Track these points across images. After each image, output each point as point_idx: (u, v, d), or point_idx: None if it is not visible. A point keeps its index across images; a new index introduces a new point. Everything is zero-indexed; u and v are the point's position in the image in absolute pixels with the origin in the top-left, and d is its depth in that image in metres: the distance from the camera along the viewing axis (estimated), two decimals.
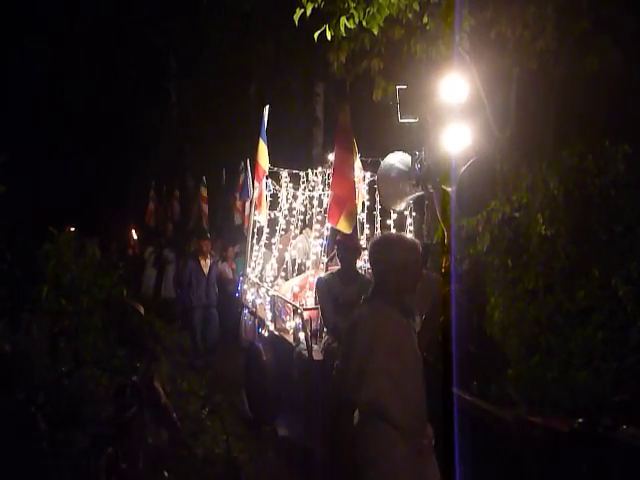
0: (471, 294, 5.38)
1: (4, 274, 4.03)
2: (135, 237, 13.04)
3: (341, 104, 5.26)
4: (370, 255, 2.79)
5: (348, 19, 4.93)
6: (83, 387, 3.64)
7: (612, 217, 4.46)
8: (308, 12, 4.87)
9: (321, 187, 5.91)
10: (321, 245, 5.50)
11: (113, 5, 15.20)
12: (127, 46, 15.97)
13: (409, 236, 2.66)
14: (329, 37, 5.04)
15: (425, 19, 5.17)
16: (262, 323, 5.60)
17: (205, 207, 12.07)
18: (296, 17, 4.87)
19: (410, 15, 5.60)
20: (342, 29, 5.02)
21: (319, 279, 4.64)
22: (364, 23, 5.05)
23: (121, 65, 16.28)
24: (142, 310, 3.55)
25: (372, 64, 7.88)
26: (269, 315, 5.46)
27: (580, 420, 2.70)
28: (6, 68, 15.08)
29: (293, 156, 9.79)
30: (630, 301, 4.38)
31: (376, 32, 5.16)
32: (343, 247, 4.61)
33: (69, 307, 5.32)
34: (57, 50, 15.83)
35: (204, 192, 12.20)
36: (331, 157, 5.26)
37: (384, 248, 2.71)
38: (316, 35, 5.04)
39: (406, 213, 5.79)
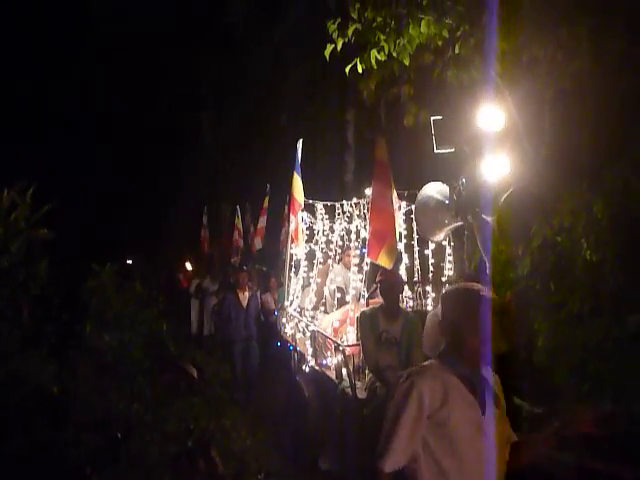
0: (515, 324, 5.22)
1: (52, 318, 4.12)
2: (190, 268, 12.43)
3: (377, 138, 5.27)
4: (442, 307, 2.34)
5: (379, 51, 4.97)
6: (130, 424, 3.66)
7: None
8: (339, 47, 4.92)
9: (357, 219, 5.90)
10: (361, 280, 5.46)
11: (146, 39, 15.62)
12: (164, 79, 16.39)
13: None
14: (360, 70, 5.08)
15: (457, 48, 5.16)
16: (302, 358, 5.54)
17: (240, 237, 12.08)
18: (327, 52, 4.93)
19: (440, 42, 5.60)
20: (373, 61, 5.06)
21: (362, 313, 4.59)
22: (394, 54, 5.07)
23: (158, 97, 16.71)
24: (195, 373, 3.51)
25: (402, 90, 7.92)
26: (310, 350, 5.42)
27: None
28: (48, 106, 15.68)
29: (325, 184, 9.84)
30: None
31: (407, 62, 5.18)
32: (386, 284, 4.56)
33: (112, 342, 5.42)
34: (95, 84, 16.37)
35: (238, 222, 12.21)
36: (368, 192, 5.25)
37: (460, 303, 2.25)
38: (347, 69, 5.09)
39: (444, 243, 5.70)
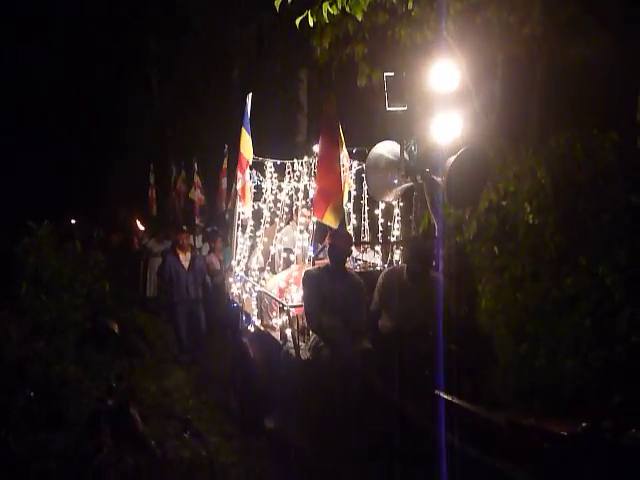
0: (458, 283, 5.31)
1: None
2: (142, 228, 11.79)
3: (326, 93, 5.11)
4: None
5: (331, 5, 4.80)
6: (63, 391, 3.54)
7: (600, 206, 4.42)
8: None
9: (307, 178, 5.74)
10: (307, 239, 5.29)
11: None
12: (107, 32, 15.59)
13: None
14: (311, 23, 4.91)
15: (410, 4, 5.05)
16: (248, 319, 5.44)
17: (201, 194, 11.59)
18: (277, 3, 4.72)
19: (394, 0, 5.48)
20: (325, 15, 4.89)
21: (307, 273, 4.47)
22: (347, 9, 4.91)
23: (102, 51, 15.90)
24: (116, 328, 3.37)
25: (356, 50, 7.75)
26: (255, 311, 5.31)
27: (584, 424, 2.52)
28: None
29: (276, 144, 9.63)
30: (617, 289, 4.36)
31: (360, 18, 5.03)
32: (335, 245, 4.43)
33: (50, 303, 5.20)
34: (35, 35, 15.44)
35: (198, 180, 11.70)
36: (316, 148, 5.07)
37: None
38: (298, 21, 4.90)
39: (394, 203, 5.56)
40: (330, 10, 4.85)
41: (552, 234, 4.92)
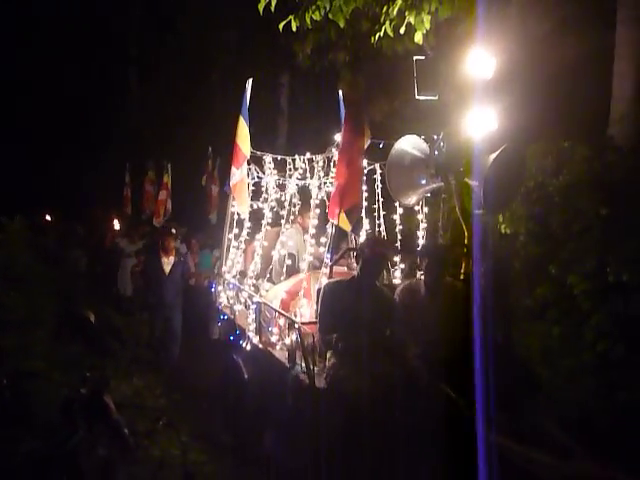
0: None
1: None
2: (118, 227, 11.30)
3: (354, 78, 4.78)
4: None
5: (314, 11, 4.85)
6: (33, 383, 3.48)
7: (571, 217, 4.52)
8: (273, 3, 4.75)
9: (319, 175, 4.82)
10: (324, 244, 4.44)
11: None
12: (86, 29, 15.40)
13: None
14: (294, 28, 4.95)
15: (392, 13, 5.12)
16: (243, 334, 4.68)
17: (167, 195, 11.47)
18: (260, 7, 4.75)
19: (377, 9, 5.56)
20: (308, 20, 4.95)
21: (326, 285, 3.81)
22: (330, 15, 4.97)
23: (80, 49, 15.69)
24: (93, 318, 3.28)
25: (338, 57, 7.85)
26: (252, 326, 4.52)
27: None
28: None
29: (256, 147, 9.59)
30: (585, 299, 4.46)
31: (342, 24, 5.09)
32: (375, 257, 3.72)
33: (19, 300, 5.11)
34: (15, 32, 15.22)
35: (168, 181, 11.53)
36: (337, 137, 4.36)
37: None
38: (281, 26, 4.95)
39: (416, 208, 4.71)
40: (313, 16, 4.90)
41: (524, 244, 5.02)
